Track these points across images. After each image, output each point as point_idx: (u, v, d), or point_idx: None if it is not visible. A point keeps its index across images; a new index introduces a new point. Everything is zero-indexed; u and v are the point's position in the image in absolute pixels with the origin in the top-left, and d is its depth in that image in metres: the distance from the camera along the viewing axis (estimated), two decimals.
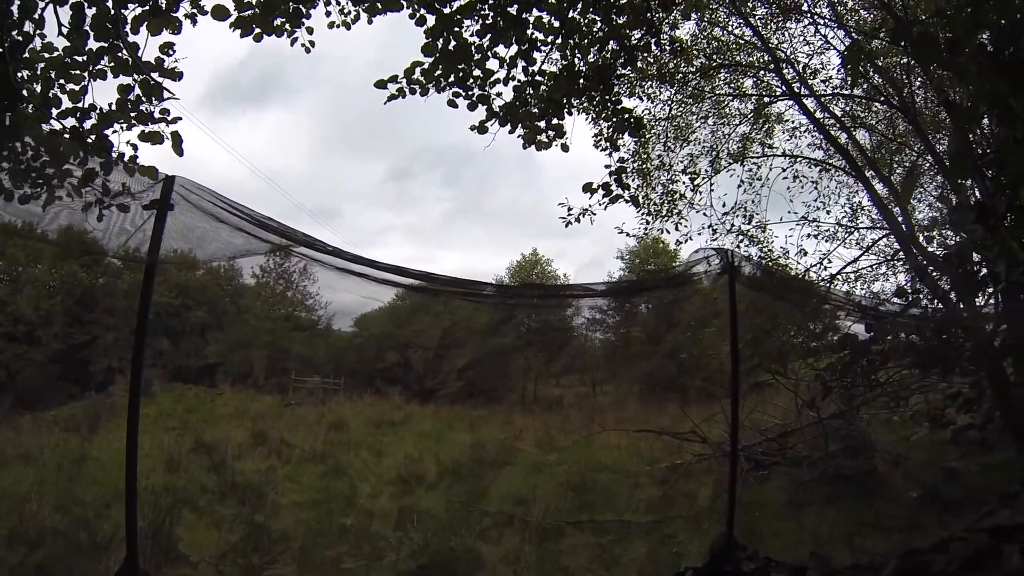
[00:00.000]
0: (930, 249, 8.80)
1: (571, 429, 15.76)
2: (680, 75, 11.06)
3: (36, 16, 3.71)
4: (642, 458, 11.47)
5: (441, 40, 4.94)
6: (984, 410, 8.68)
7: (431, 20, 4.72)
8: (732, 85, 11.71)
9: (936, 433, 9.75)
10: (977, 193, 6.14)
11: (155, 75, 4.09)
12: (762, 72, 11.28)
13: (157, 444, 10.50)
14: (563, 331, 35.73)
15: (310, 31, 6.17)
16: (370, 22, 6.62)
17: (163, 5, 3.83)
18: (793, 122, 11.61)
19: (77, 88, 4.05)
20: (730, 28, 11.07)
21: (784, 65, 10.66)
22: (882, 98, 10.25)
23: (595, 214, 7.97)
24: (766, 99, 11.44)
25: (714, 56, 11.23)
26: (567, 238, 67.75)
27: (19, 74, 3.87)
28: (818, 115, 10.66)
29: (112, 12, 3.78)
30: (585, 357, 36.62)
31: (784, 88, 10.76)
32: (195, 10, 4.04)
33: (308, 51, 6.23)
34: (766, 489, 9.16)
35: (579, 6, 5.27)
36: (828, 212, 11.32)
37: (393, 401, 23.57)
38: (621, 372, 33.92)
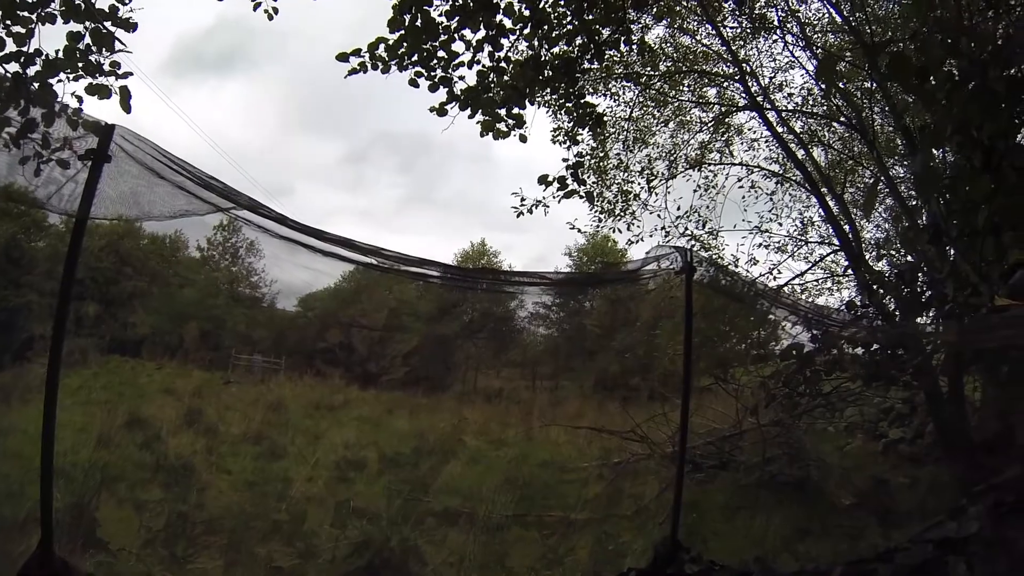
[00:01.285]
0: (878, 267, 9.09)
1: (512, 422, 15.78)
2: (645, 77, 11.12)
3: None
4: (583, 455, 11.53)
5: (408, 16, 4.81)
6: (915, 425, 9.04)
7: None
8: (696, 93, 11.84)
9: (869, 445, 10.14)
10: (924, 216, 6.37)
11: (108, 24, 3.83)
12: (726, 83, 11.44)
13: (89, 418, 10.02)
14: (507, 322, 35.80)
15: None
16: None
17: None
18: (753, 133, 11.83)
19: (24, 31, 3.76)
20: (699, 37, 11.20)
21: (749, 78, 10.81)
22: (841, 118, 10.50)
23: (548, 207, 7.92)
24: (730, 109, 11.60)
25: (680, 63, 11.32)
26: (516, 232, 67.92)
27: None
28: (778, 129, 10.86)
29: None
30: (528, 350, 36.75)
31: (748, 100, 10.92)
32: None
33: (271, 18, 6.00)
34: (704, 492, 9.32)
35: None
36: (780, 224, 11.58)
37: (334, 384, 23.20)
38: (564, 368, 34.21)
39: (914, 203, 7.47)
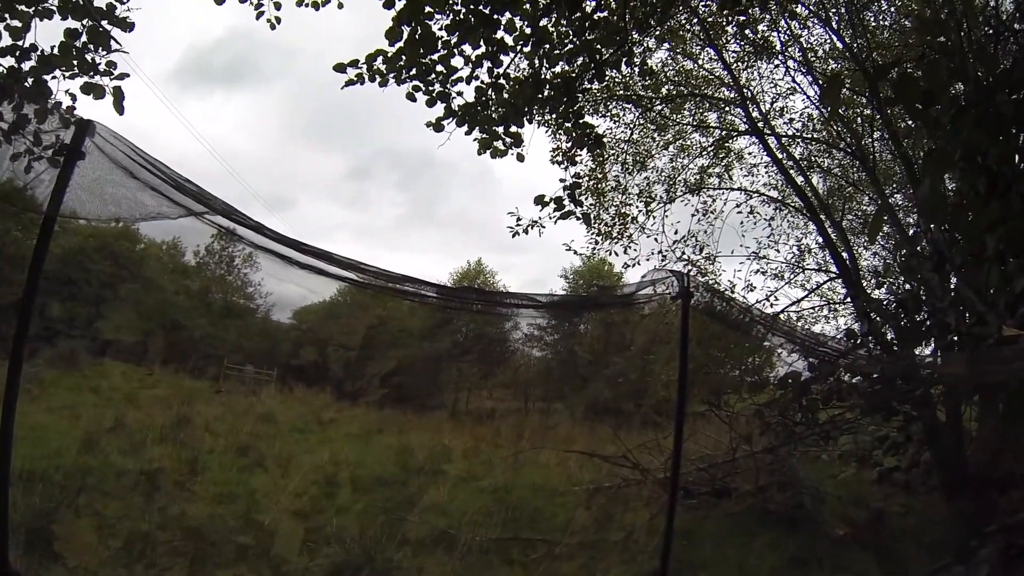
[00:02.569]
0: (877, 295, 9.04)
1: (502, 444, 15.60)
2: (647, 100, 11.13)
3: None
4: (573, 480, 11.36)
5: (408, 28, 4.76)
6: (910, 453, 8.94)
7: (400, 4, 4.56)
8: (696, 117, 11.85)
9: (863, 473, 10.02)
10: (925, 243, 6.32)
11: (105, 23, 3.79)
12: (727, 108, 11.46)
13: (74, 421, 9.88)
14: (500, 343, 35.68)
15: (277, 6, 5.96)
16: (340, 7, 6.47)
17: None
18: (753, 158, 11.83)
19: (20, 25, 3.71)
20: (702, 62, 11.23)
21: (750, 103, 10.84)
22: (841, 145, 10.51)
23: (544, 227, 7.87)
24: (731, 133, 11.61)
25: (682, 86, 11.35)
26: (514, 253, 68.26)
27: None
28: (778, 155, 10.86)
29: None
30: (520, 372, 36.61)
31: (748, 124, 10.93)
32: None
33: (273, 27, 6.02)
34: (695, 519, 9.17)
35: (553, 15, 5.17)
36: (778, 251, 11.54)
37: (324, 399, 23.03)
38: (557, 391, 34.06)
39: (915, 230, 7.43)
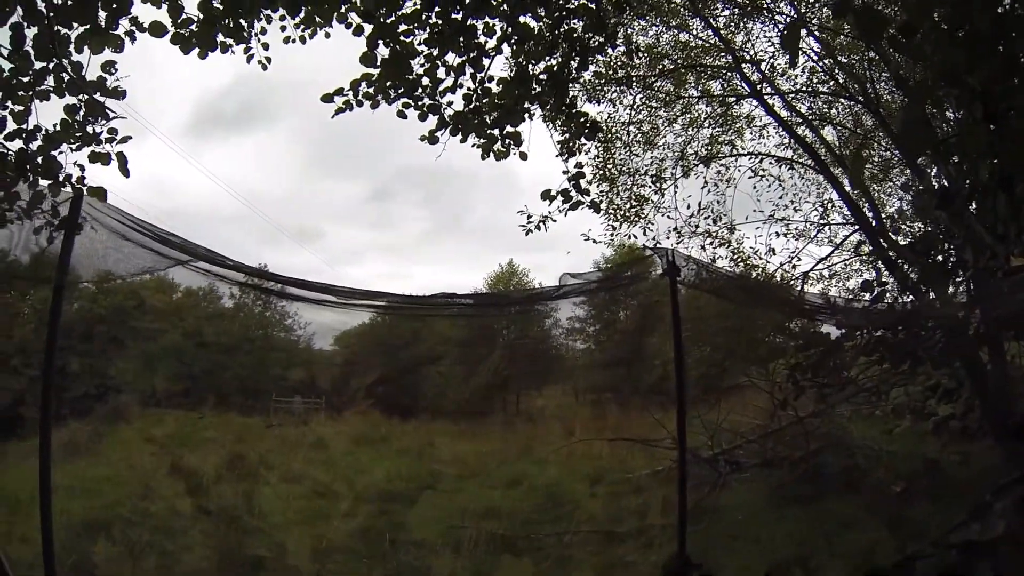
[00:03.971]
0: (901, 241, 8.85)
1: (553, 441, 15.67)
2: (646, 78, 11.07)
3: None
4: (625, 468, 11.38)
5: (386, 49, 4.84)
6: (964, 399, 8.72)
7: (368, 29, 4.65)
8: (699, 87, 11.75)
9: (918, 425, 9.83)
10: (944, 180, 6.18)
11: (98, 95, 3.99)
12: (728, 74, 11.32)
13: (132, 470, 10.25)
14: (543, 341, 35.69)
15: (266, 47, 6.11)
16: (327, 36, 6.61)
17: (103, 23, 3.71)
18: (762, 120, 11.67)
19: (22, 109, 3.93)
20: (694, 30, 11.12)
21: (747, 66, 10.71)
22: (847, 94, 10.32)
23: (555, 220, 7.87)
24: (732, 99, 11.47)
25: (679, 59, 11.26)
26: (545, 251, 68.02)
27: None
28: (783, 114, 10.71)
29: (53, 32, 3.66)
30: (567, 367, 36.63)
31: (748, 88, 10.80)
32: (133, 27, 3.94)
33: (264, 68, 6.12)
34: (748, 491, 9.14)
35: (528, 10, 5.18)
36: (797, 210, 11.36)
37: (374, 419, 23.35)
38: (603, 380, 33.96)
39: (927, 169, 7.23)
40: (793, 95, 10.87)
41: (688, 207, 11.49)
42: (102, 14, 3.72)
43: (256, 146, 59.03)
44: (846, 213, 11.05)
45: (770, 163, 11.50)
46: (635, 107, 11.34)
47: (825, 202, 11.28)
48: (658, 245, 11.42)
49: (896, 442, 9.40)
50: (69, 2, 3.57)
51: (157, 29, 4.03)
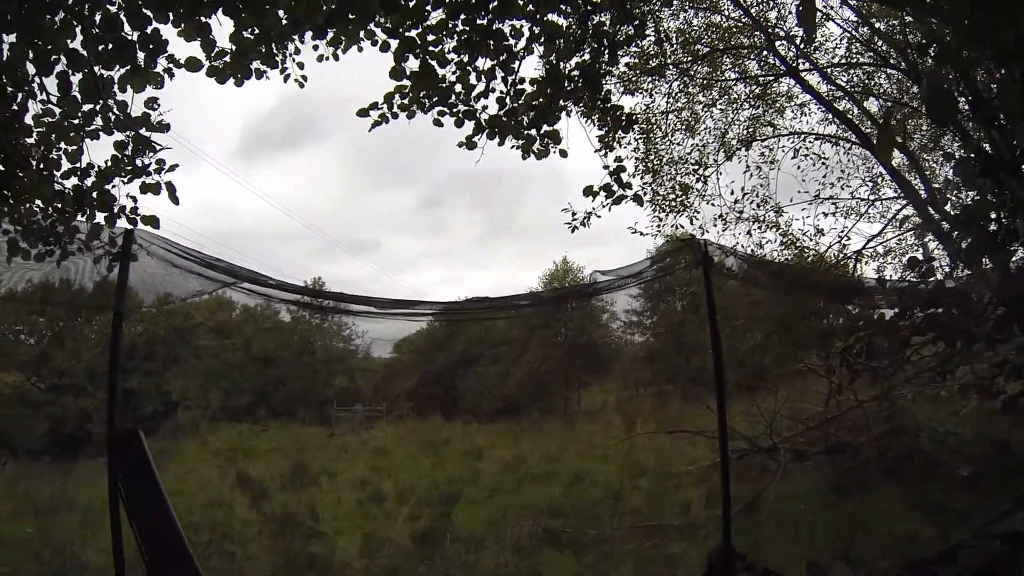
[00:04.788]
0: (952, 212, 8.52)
1: (614, 435, 15.62)
2: (680, 64, 10.93)
3: (26, 88, 3.89)
4: (687, 460, 11.28)
5: (416, 62, 4.95)
6: None
7: (394, 44, 4.77)
8: (736, 69, 11.55)
9: (986, 404, 9.40)
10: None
11: (143, 130, 4.24)
12: (764, 52, 11.10)
13: (200, 483, 10.70)
14: (601, 336, 35.54)
15: (301, 66, 6.34)
16: (360, 50, 6.79)
17: (141, 64, 3.96)
18: (799, 100, 11.42)
19: (75, 148, 4.22)
20: (725, 11, 10.95)
21: (782, 43, 10.48)
22: (888, 64, 10.00)
23: (599, 216, 7.88)
24: (767, 79, 11.24)
25: (713, 42, 11.08)
26: (599, 245, 67.50)
27: (19, 140, 4.06)
28: (821, 90, 10.45)
29: (96, 76, 3.92)
30: (625, 359, 36.39)
31: (784, 66, 10.55)
32: (171, 64, 4.17)
33: (302, 85, 6.37)
34: (809, 480, 8.96)
35: (553, 8, 5.20)
36: (844, 187, 11.05)
37: (435, 423, 23.65)
38: (662, 372, 33.58)
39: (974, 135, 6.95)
40: (831, 69, 10.59)
41: (732, 192, 11.33)
42: (140, 55, 3.95)
43: (306, 164, 60.66)
44: (894, 189, 10.75)
45: (811, 142, 11.24)
46: (672, 95, 11.23)
47: (875, 176, 10.97)
48: (704, 234, 11.31)
49: (963, 423, 9.03)
50: (110, 46, 3.79)
51: (193, 64, 4.26)
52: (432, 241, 60.56)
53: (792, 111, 11.53)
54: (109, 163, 4.38)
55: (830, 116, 10.86)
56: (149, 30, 3.91)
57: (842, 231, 10.82)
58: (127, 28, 3.87)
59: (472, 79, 5.30)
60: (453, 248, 58.97)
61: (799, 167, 11.14)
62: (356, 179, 61.19)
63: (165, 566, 2.90)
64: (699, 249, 4.73)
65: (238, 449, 16.83)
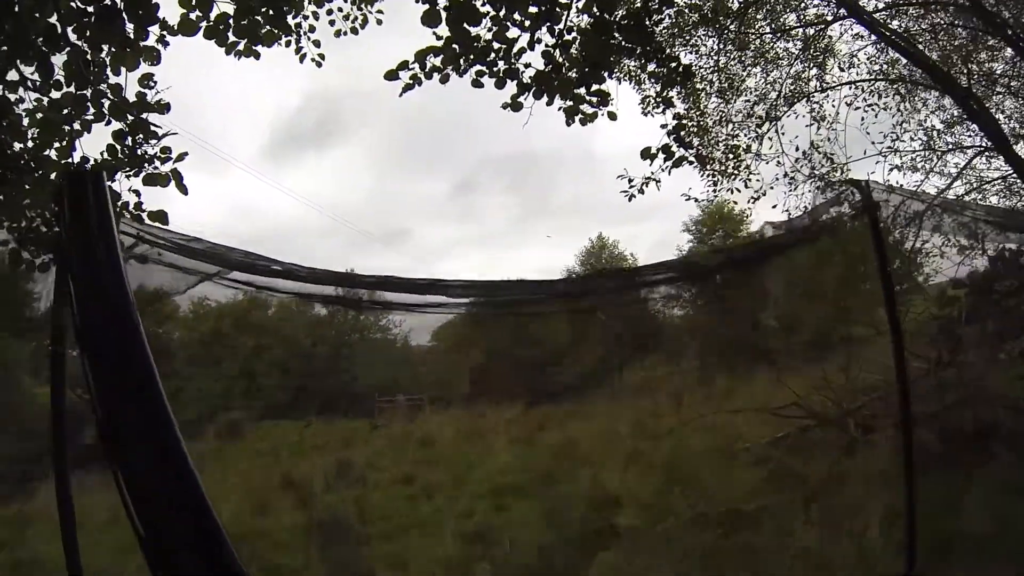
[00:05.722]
0: None
1: (663, 413, 15.09)
2: (721, 17, 10.15)
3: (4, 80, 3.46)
4: (744, 438, 10.67)
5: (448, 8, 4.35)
6: None
7: None
8: (775, 23, 10.71)
9: None
10: None
11: (142, 114, 3.79)
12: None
13: (245, 484, 10.48)
14: (641, 312, 34.91)
15: (317, 44, 5.89)
16: (379, 23, 6.31)
17: (131, 35, 3.48)
18: (848, 45, 10.55)
19: (63, 144, 3.78)
20: None
21: None
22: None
23: (659, 181, 7.22)
24: (822, 24, 10.37)
25: None
26: (634, 223, 67.20)
27: (4, 138, 3.65)
28: (883, 30, 9.60)
29: (83, 58, 3.47)
30: (668, 335, 35.80)
31: (844, 8, 9.68)
32: (164, 32, 3.70)
33: (319, 65, 5.98)
34: (879, 455, 8.28)
35: None
36: (914, 137, 10.22)
37: (479, 410, 23.35)
38: (707, 345, 32.93)
39: None
40: (883, 11, 9.72)
41: (797, 148, 10.54)
42: (130, 27, 3.48)
43: (335, 159, 61.02)
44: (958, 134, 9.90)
45: (871, 90, 10.34)
46: (717, 52, 10.42)
47: (949, 118, 10.06)
48: (762, 197, 10.51)
49: None
50: (93, 19, 3.32)
51: (187, 27, 3.75)
52: (467, 227, 60.80)
53: (839, 62, 10.68)
54: (106, 155, 3.93)
55: (888, 60, 10.00)
56: None
57: (918, 184, 10.04)
58: None
59: (511, 34, 4.75)
60: (488, 232, 59.19)
61: (862, 119, 10.29)
62: (386, 170, 61.48)
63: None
64: (862, 191, 3.83)
65: (283, 447, 16.65)
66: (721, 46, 10.49)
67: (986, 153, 9.30)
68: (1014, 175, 8.15)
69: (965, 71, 9.56)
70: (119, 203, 4.03)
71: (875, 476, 7.68)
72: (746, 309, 28.66)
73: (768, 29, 10.64)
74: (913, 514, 3.61)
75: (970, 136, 9.78)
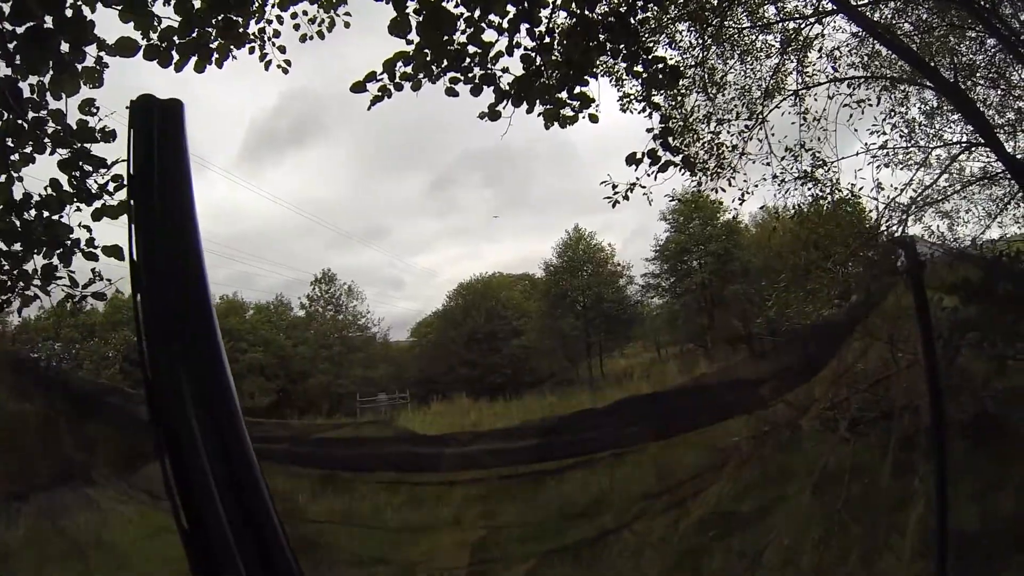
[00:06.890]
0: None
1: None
2: (706, 13, 9.91)
3: None
4: (728, 431, 10.58)
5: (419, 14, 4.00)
6: None
7: None
8: (754, 17, 10.53)
9: None
10: None
11: (84, 143, 3.49)
12: None
13: None
14: (619, 302, 35.13)
15: (282, 50, 5.57)
16: (347, 25, 6.00)
17: (66, 58, 3.15)
18: (829, 40, 10.39)
19: (2, 180, 3.46)
20: None
21: None
22: None
23: (644, 187, 6.94)
24: (806, 16, 10.18)
25: None
26: (610, 212, 67.83)
27: None
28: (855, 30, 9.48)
29: (14, 85, 3.17)
30: (646, 323, 36.08)
31: (828, 2, 9.51)
32: (101, 52, 3.38)
33: (285, 72, 5.67)
34: (862, 448, 8.22)
35: None
36: (893, 127, 10.13)
37: (461, 404, 23.23)
38: (685, 332, 33.16)
39: None
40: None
41: (786, 148, 10.40)
42: (64, 47, 3.17)
43: (314, 159, 61.14)
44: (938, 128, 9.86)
45: (856, 88, 10.21)
46: (698, 46, 10.20)
47: (932, 109, 9.99)
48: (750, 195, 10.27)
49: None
50: (16, 43, 3.00)
51: (125, 47, 3.42)
52: (445, 221, 60.98)
53: (818, 55, 10.53)
54: (50, 190, 3.62)
55: (862, 59, 9.91)
56: (68, 12, 3.06)
57: (906, 184, 10.01)
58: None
59: (487, 37, 4.37)
60: (467, 225, 59.66)
61: (850, 116, 10.15)
62: (365, 169, 61.48)
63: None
64: (906, 252, 3.35)
65: (263, 455, 16.32)
66: (702, 41, 10.26)
67: (972, 148, 9.25)
68: (1001, 168, 8.06)
69: (952, 64, 9.47)
70: (69, 239, 3.75)
71: (866, 469, 7.64)
72: (727, 298, 28.94)
73: (749, 23, 10.44)
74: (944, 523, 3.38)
75: (951, 132, 9.77)
